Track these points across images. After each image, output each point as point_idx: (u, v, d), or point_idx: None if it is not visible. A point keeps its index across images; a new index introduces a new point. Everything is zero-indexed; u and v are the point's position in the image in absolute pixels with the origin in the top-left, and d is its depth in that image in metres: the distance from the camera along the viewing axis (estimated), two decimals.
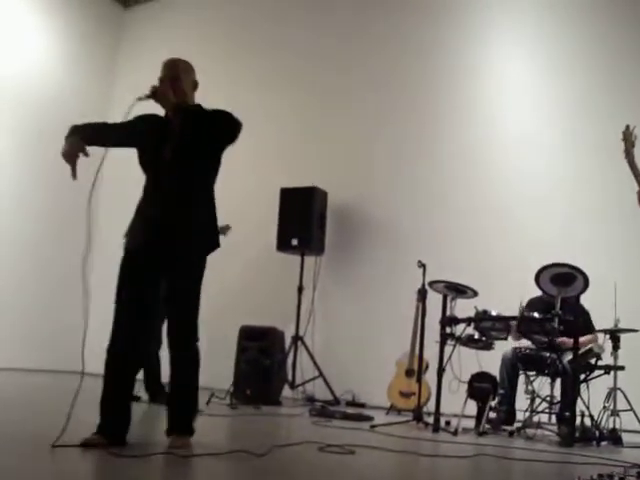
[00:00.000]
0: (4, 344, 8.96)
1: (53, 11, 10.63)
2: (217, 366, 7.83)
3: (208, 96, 9.76)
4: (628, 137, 4.33)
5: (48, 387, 7.76)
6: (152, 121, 3.97)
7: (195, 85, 4.07)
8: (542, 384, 5.85)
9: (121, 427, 3.59)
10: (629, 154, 4.26)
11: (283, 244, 8.16)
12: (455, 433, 5.38)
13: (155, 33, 11.15)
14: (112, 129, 3.88)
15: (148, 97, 3.81)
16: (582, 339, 5.67)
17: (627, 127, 4.40)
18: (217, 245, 3.96)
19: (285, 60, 9.64)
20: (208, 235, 3.92)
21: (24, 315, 9.50)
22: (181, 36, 10.73)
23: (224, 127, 3.93)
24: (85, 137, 3.61)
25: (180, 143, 3.81)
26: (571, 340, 5.46)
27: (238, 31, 10.23)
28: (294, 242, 8.08)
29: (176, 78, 3.90)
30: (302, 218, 8.11)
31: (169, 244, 3.73)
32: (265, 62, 9.81)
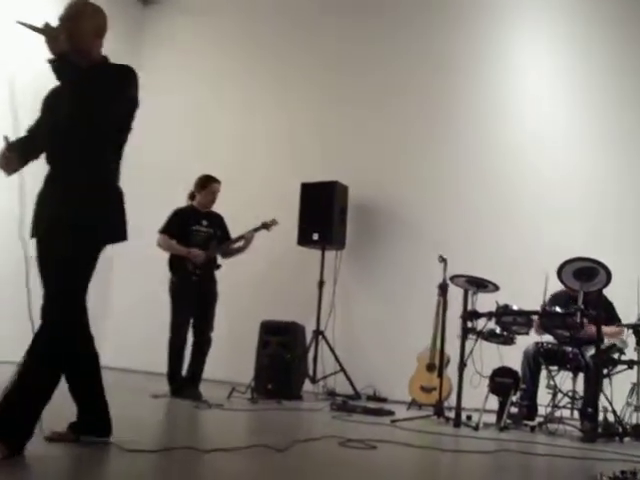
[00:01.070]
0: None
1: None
2: (238, 361, 7.89)
3: (226, 94, 9.86)
4: None
5: None
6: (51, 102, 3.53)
7: (98, 31, 3.49)
8: (564, 379, 5.82)
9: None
10: None
11: (304, 238, 8.16)
12: (476, 428, 5.37)
13: (175, 31, 11.15)
14: (30, 142, 3.50)
15: (33, 28, 3.23)
16: (607, 329, 5.64)
17: None
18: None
19: (306, 58, 9.59)
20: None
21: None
22: (199, 34, 10.76)
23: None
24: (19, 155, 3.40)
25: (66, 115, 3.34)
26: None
27: (257, 30, 10.17)
28: (315, 236, 8.07)
29: (70, 19, 3.36)
30: (323, 213, 8.09)
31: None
32: (285, 60, 9.76)
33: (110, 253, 3.48)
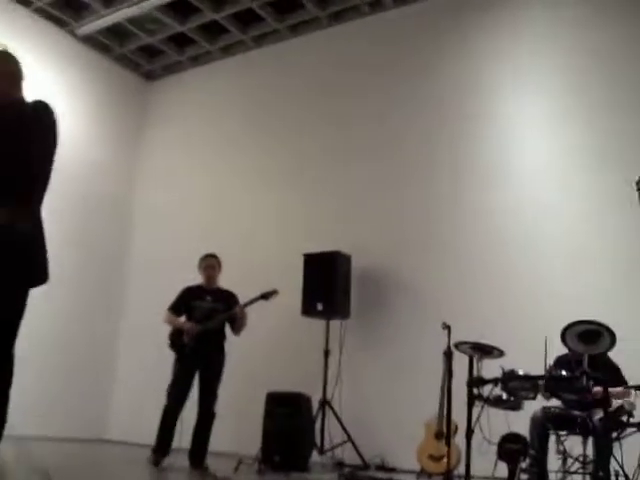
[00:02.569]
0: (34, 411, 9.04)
1: (78, 88, 10.92)
2: (244, 432, 7.84)
3: (228, 170, 10.04)
4: None
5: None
6: None
7: (14, 77, 3.59)
8: (574, 444, 5.77)
9: None
10: None
11: (308, 309, 8.19)
12: None
13: (178, 106, 11.42)
14: None
15: None
16: (614, 390, 5.61)
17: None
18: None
19: (308, 128, 9.83)
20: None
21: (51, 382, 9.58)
22: (205, 108, 11.01)
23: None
24: None
25: None
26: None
27: (263, 102, 10.45)
28: (319, 307, 8.09)
29: None
30: (326, 282, 8.14)
31: None
32: (285, 133, 10.01)
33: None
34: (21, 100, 3.56)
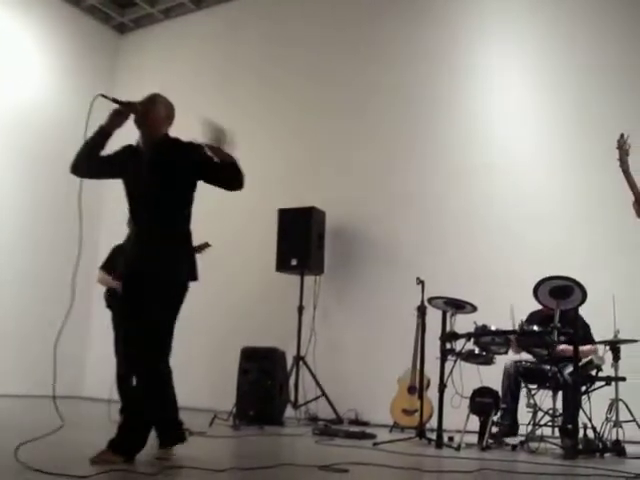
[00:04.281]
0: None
1: (50, 40, 10.73)
2: (219, 388, 7.88)
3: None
4: (622, 145, 4.31)
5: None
6: (129, 153, 4.15)
7: (169, 119, 4.21)
8: (544, 397, 5.85)
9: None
10: (624, 163, 4.24)
11: (282, 264, 8.18)
12: (458, 448, 5.38)
13: (151, 60, 11.25)
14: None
15: (116, 101, 3.96)
16: (582, 348, 5.69)
17: (621, 135, 4.38)
18: (191, 279, 4.06)
19: (281, 83, 9.74)
20: (176, 269, 4.00)
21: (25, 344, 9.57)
22: (177, 61, 10.86)
23: (229, 180, 4.20)
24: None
25: (151, 178, 3.97)
26: (571, 348, 5.47)
27: (236, 56, 10.32)
28: (293, 262, 8.10)
29: (152, 107, 4.11)
30: (300, 238, 8.13)
31: (141, 278, 3.89)
32: (260, 86, 9.92)
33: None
34: (174, 138, 4.18)
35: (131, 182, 4.08)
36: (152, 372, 3.88)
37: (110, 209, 10.30)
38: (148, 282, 3.85)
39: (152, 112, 4.07)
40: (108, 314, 6.71)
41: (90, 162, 4.04)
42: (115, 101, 3.95)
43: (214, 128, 3.89)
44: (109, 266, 6.78)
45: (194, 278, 4.06)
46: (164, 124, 4.16)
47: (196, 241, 6.52)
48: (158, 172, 3.97)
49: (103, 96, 3.86)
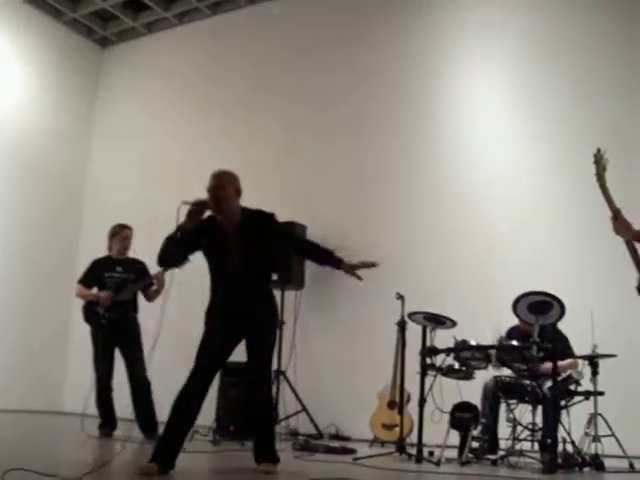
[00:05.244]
0: None
1: (32, 54, 10.71)
2: None
3: (184, 132, 9.88)
4: (599, 160, 4.34)
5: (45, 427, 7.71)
6: (208, 229, 4.48)
7: (238, 193, 4.59)
8: (523, 412, 5.88)
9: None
10: (600, 178, 4.27)
11: None
12: (438, 463, 5.38)
13: (134, 74, 11.24)
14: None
15: (193, 204, 4.31)
16: (562, 363, 5.72)
17: (598, 150, 4.40)
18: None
19: (264, 97, 9.77)
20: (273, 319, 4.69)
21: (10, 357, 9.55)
22: (160, 75, 10.87)
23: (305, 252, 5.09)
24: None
25: (245, 249, 4.44)
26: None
27: (219, 70, 10.36)
28: (274, 277, 8.08)
29: (221, 194, 4.41)
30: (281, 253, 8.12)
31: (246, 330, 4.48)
32: (243, 100, 9.94)
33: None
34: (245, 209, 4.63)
35: (221, 261, 4.46)
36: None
37: (89, 226, 10.31)
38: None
39: (224, 200, 4.40)
40: (87, 328, 6.70)
41: (178, 257, 4.49)
42: (192, 204, 4.28)
43: None
44: (87, 280, 6.80)
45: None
46: (237, 201, 4.54)
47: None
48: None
49: (185, 203, 4.22)
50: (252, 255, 4.46)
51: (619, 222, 4.03)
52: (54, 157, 10.59)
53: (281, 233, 4.79)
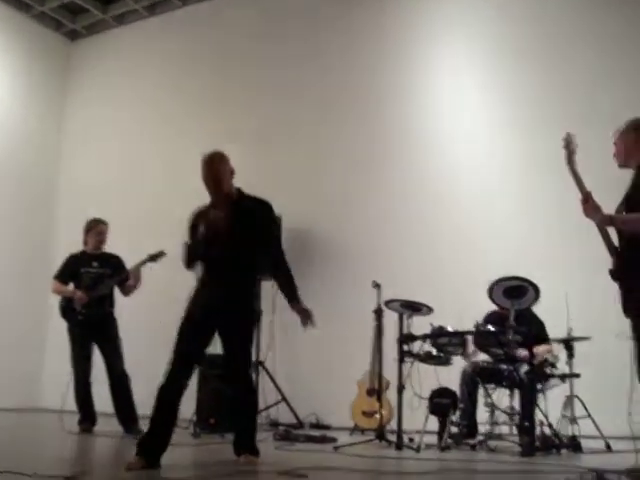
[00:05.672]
0: None
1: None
2: None
3: (161, 126, 9.83)
4: (568, 145, 4.38)
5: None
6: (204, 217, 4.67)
7: (232, 172, 4.84)
8: (501, 396, 5.94)
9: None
10: (570, 161, 4.31)
11: None
12: (418, 450, 5.41)
13: (103, 67, 11.14)
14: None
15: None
16: (538, 350, 5.78)
17: (567, 134, 4.43)
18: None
19: (234, 85, 9.74)
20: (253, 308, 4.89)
21: None
22: (130, 68, 10.78)
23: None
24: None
25: (235, 234, 4.51)
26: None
27: (190, 63, 10.29)
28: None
29: (219, 173, 4.72)
30: None
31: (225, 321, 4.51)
32: (213, 90, 9.90)
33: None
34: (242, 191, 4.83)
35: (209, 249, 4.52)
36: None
37: (64, 221, 10.23)
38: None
39: (224, 175, 4.76)
40: (63, 323, 6.67)
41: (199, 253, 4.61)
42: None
43: None
44: (63, 275, 6.77)
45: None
46: (232, 179, 4.80)
47: (153, 249, 6.57)
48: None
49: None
50: (240, 242, 4.51)
51: (589, 205, 4.07)
52: (24, 151, 10.48)
53: (271, 235, 4.85)
